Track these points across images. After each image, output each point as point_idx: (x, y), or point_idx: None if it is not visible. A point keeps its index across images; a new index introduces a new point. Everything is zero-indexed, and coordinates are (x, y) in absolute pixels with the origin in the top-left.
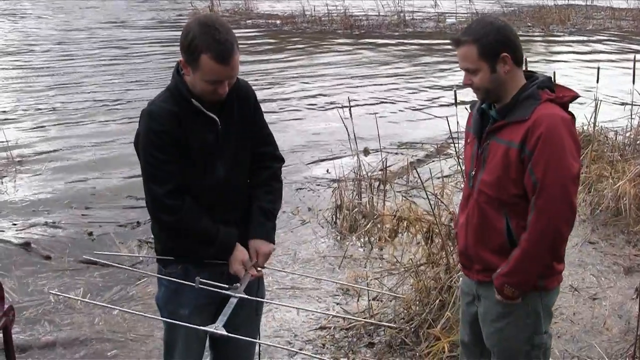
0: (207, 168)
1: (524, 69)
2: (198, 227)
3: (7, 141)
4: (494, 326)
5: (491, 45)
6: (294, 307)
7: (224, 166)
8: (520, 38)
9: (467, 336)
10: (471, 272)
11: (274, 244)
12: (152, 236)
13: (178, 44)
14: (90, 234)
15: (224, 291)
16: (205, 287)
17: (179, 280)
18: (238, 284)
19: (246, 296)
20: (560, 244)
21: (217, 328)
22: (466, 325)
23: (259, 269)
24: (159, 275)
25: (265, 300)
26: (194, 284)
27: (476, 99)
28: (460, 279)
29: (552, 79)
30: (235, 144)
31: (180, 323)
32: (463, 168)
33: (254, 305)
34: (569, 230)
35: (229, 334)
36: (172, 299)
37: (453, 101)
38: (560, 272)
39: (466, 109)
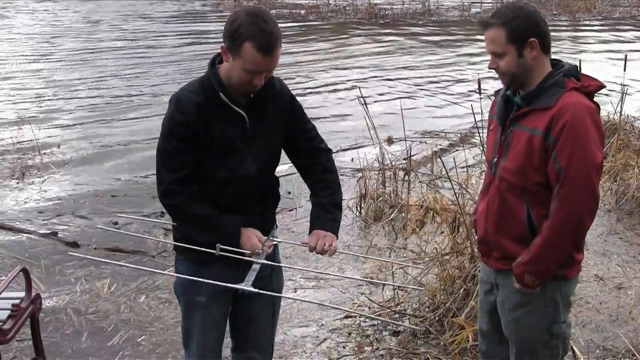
0: (233, 162)
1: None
2: (197, 212)
3: (34, 136)
4: (512, 315)
5: (520, 29)
6: (315, 302)
7: (255, 163)
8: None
9: (485, 325)
10: (490, 260)
11: (334, 234)
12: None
13: (204, 37)
14: (116, 223)
15: (246, 257)
16: (226, 254)
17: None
18: (260, 251)
19: (268, 262)
20: (582, 233)
21: (246, 285)
22: (485, 314)
23: (272, 239)
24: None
25: (282, 295)
26: (215, 272)
27: (500, 86)
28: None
29: (577, 67)
30: (266, 142)
31: (205, 281)
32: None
33: (272, 297)
34: (592, 219)
35: (258, 290)
36: (189, 286)
37: (477, 90)
38: (580, 261)
39: (489, 97)
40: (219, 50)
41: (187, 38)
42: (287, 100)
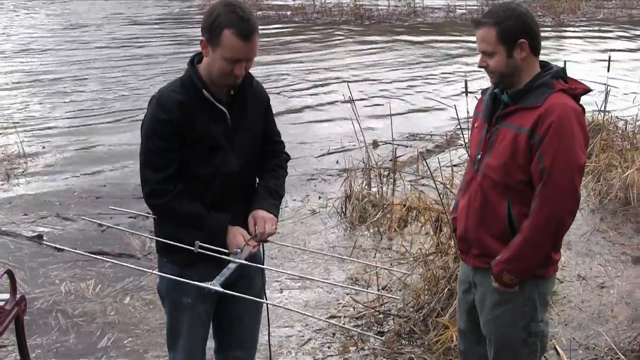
0: (216, 159)
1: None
2: (186, 210)
3: (19, 139)
4: (490, 314)
5: (510, 30)
6: (296, 312)
7: (237, 160)
8: None
9: (463, 324)
10: (468, 257)
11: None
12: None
13: (189, 40)
14: (101, 225)
15: (224, 256)
16: (204, 252)
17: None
18: (239, 250)
19: (247, 262)
20: (561, 233)
21: (213, 285)
22: (463, 313)
23: (256, 242)
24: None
25: (264, 301)
26: (200, 272)
27: (487, 86)
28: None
29: (565, 69)
30: (247, 139)
31: (181, 280)
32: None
33: (256, 295)
34: (572, 219)
35: (225, 291)
36: (175, 287)
37: (463, 91)
38: (557, 261)
39: (475, 97)
40: (199, 51)
41: (171, 41)
42: (264, 101)
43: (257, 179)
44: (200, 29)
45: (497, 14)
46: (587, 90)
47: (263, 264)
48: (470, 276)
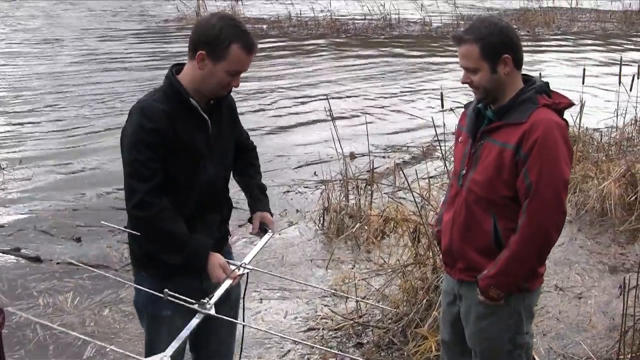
0: (197, 168)
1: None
2: (169, 228)
3: None
4: (476, 326)
5: (493, 46)
6: (271, 333)
7: (216, 167)
8: None
9: (447, 335)
10: (453, 271)
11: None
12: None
13: (167, 55)
14: (79, 239)
15: (191, 306)
16: (173, 300)
17: (150, 291)
18: (206, 300)
19: (213, 313)
20: (548, 248)
21: (207, 307)
22: (447, 324)
23: (241, 270)
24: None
25: (239, 322)
26: (162, 295)
27: (468, 100)
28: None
29: (548, 84)
30: (224, 147)
31: (172, 300)
32: (451, 167)
33: (232, 304)
34: (558, 234)
35: (219, 316)
36: (153, 300)
37: (439, 103)
38: (542, 274)
39: (451, 109)
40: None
41: (149, 56)
42: (235, 110)
43: (239, 174)
44: (192, 43)
45: (479, 30)
46: (570, 105)
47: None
48: (456, 288)
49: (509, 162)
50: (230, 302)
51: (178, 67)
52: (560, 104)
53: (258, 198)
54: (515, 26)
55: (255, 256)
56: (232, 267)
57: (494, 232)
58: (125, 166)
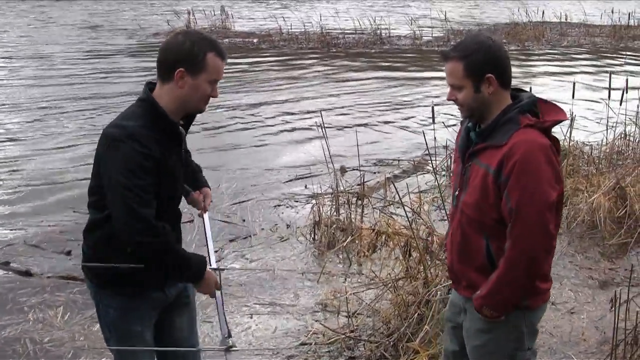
0: (176, 190)
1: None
2: (177, 250)
3: None
4: (476, 341)
5: (477, 65)
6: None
7: (182, 183)
8: None
9: (450, 346)
10: (459, 288)
11: None
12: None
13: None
14: (69, 252)
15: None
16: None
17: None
18: (229, 341)
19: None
20: (536, 269)
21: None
22: (452, 336)
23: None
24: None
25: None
26: (146, 300)
27: (460, 115)
28: (438, 292)
29: (536, 101)
30: (185, 162)
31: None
32: (440, 182)
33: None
34: (547, 255)
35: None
36: (124, 318)
37: (430, 117)
38: (546, 290)
39: (443, 123)
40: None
41: (146, 71)
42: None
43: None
44: (165, 65)
45: (465, 47)
46: (558, 121)
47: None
48: (462, 303)
49: (492, 185)
50: (191, 303)
51: (152, 86)
52: (546, 123)
53: (200, 179)
54: (505, 40)
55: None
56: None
57: (487, 253)
58: (124, 194)
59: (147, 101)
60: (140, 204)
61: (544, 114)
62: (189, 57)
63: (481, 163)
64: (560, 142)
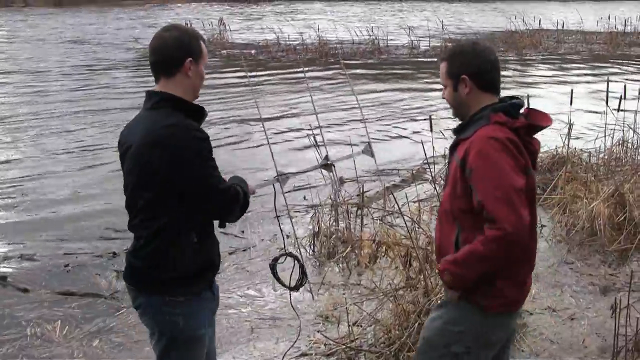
0: None
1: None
2: (239, 190)
3: None
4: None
5: (455, 65)
6: None
7: None
8: None
9: None
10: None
11: None
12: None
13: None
14: (67, 266)
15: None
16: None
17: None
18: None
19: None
20: (513, 251)
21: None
22: None
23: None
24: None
25: None
26: (203, 301)
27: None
28: (439, 301)
29: (516, 105)
30: None
31: None
32: (439, 191)
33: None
34: (522, 237)
35: None
36: (190, 324)
37: (428, 127)
38: (508, 298)
39: (441, 132)
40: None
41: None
42: None
43: None
44: (171, 60)
45: (451, 50)
46: (532, 125)
47: None
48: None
49: (460, 176)
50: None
51: (153, 92)
52: (516, 123)
53: None
54: (502, 48)
55: None
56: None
57: (455, 245)
58: (209, 178)
59: (171, 99)
60: (220, 179)
61: (533, 117)
62: (193, 48)
63: (455, 156)
64: (559, 149)
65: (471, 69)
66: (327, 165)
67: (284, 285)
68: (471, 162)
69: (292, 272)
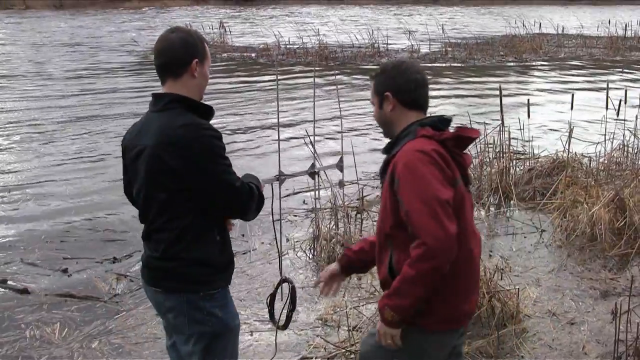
0: None
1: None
2: (254, 186)
3: None
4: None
5: (379, 83)
6: None
7: None
8: (494, 67)
9: None
10: None
11: None
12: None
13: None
14: (66, 270)
15: None
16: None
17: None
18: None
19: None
20: (438, 263)
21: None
22: None
23: None
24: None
25: None
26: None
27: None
28: None
29: (444, 120)
30: None
31: None
32: None
33: None
34: (446, 254)
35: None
36: (228, 315)
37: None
38: (443, 315)
39: None
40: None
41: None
42: None
43: None
44: (177, 61)
45: (379, 69)
46: (458, 136)
47: None
48: None
49: (389, 191)
50: None
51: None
52: (443, 135)
53: None
54: (502, 52)
55: None
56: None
57: (389, 265)
58: (224, 171)
59: (181, 100)
60: (237, 178)
61: (461, 132)
62: (198, 49)
63: (386, 175)
64: (559, 154)
65: (394, 86)
66: (313, 173)
67: (273, 323)
68: (398, 173)
69: (285, 302)
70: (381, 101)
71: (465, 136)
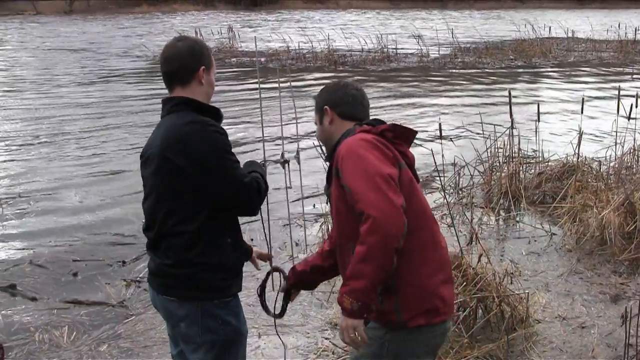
0: None
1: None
2: (260, 178)
3: None
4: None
5: (319, 101)
6: None
7: None
8: (503, 71)
9: None
10: None
11: None
12: (185, 273)
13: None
14: (76, 274)
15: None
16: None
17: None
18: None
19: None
20: (390, 240)
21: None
22: None
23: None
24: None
25: None
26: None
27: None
28: None
29: (381, 122)
30: None
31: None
32: (449, 200)
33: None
34: (395, 219)
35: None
36: (240, 322)
37: (437, 136)
38: (419, 305)
39: (451, 140)
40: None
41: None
42: None
43: None
44: (185, 69)
45: (321, 89)
46: (391, 128)
47: None
48: None
49: (339, 191)
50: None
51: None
52: (380, 128)
53: None
54: (512, 57)
55: None
56: None
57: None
58: (229, 168)
59: (188, 101)
60: (245, 175)
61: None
62: (205, 57)
63: (332, 175)
64: (569, 158)
65: (332, 100)
66: (284, 161)
67: (268, 313)
68: (340, 163)
69: (278, 292)
70: (321, 117)
71: (401, 126)
